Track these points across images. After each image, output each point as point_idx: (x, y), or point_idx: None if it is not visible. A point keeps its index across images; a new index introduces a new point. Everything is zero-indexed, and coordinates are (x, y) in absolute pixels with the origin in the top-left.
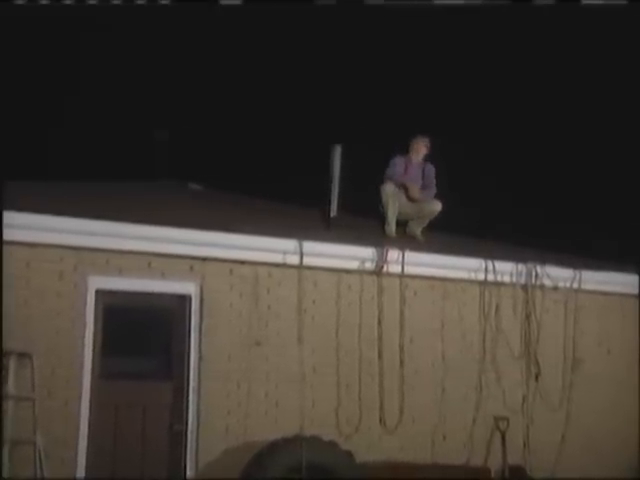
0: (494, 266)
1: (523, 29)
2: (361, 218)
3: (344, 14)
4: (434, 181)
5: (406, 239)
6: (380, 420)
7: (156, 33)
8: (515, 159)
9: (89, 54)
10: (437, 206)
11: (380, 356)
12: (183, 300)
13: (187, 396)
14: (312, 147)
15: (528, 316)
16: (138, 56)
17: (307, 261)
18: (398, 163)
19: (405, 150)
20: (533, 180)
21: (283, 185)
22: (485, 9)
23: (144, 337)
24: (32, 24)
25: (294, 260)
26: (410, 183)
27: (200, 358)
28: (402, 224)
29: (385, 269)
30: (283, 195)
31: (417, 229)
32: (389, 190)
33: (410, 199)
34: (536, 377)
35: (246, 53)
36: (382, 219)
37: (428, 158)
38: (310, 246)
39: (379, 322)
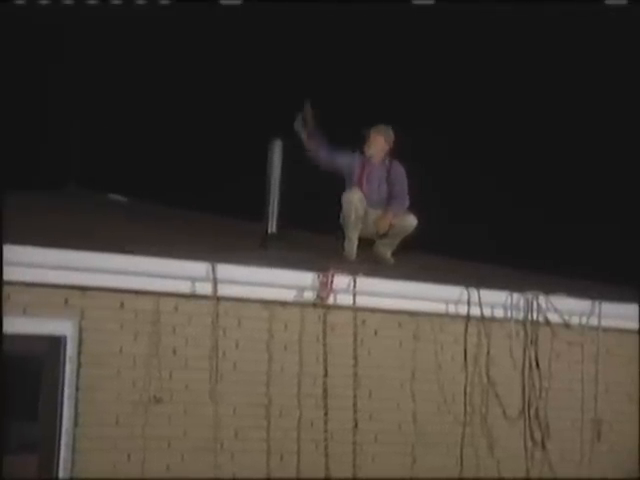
0: (479, 296)
1: (518, 25)
2: (315, 235)
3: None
4: (406, 189)
5: (371, 262)
6: None
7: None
8: (512, 158)
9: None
10: (411, 222)
11: (327, 416)
12: (54, 344)
13: (57, 473)
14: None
15: (530, 362)
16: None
17: (230, 291)
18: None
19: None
20: (532, 186)
21: (222, 195)
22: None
23: None
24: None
25: (209, 289)
26: (382, 216)
27: (76, 422)
28: (367, 243)
29: (331, 300)
30: (221, 207)
31: (387, 250)
32: (354, 198)
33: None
34: (542, 444)
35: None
36: (342, 236)
37: (396, 155)
38: (231, 271)
39: (325, 371)
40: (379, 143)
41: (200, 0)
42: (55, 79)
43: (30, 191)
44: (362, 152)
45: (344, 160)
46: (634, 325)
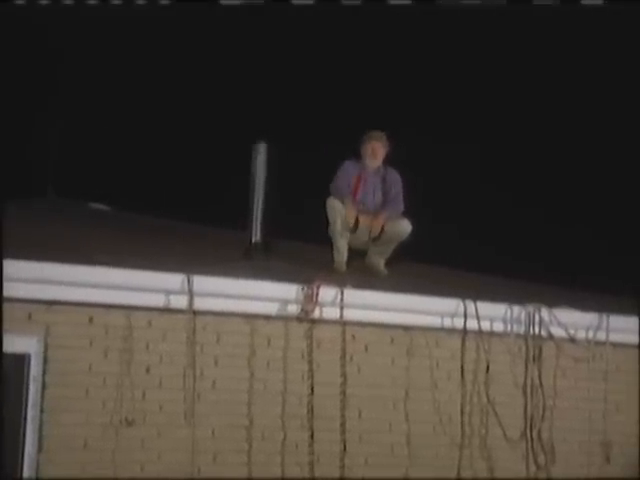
0: (477, 309)
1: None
2: (302, 244)
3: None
4: (401, 193)
5: (362, 273)
6: None
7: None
8: (512, 165)
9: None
10: (405, 227)
11: (313, 438)
12: (17, 362)
13: None
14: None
15: (533, 380)
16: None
17: (208, 304)
18: (349, 170)
19: (357, 152)
20: (532, 193)
21: (204, 202)
22: None
23: None
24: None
25: (184, 303)
26: (375, 217)
27: (40, 446)
28: (360, 252)
29: (317, 313)
30: (204, 215)
31: (380, 259)
32: (339, 206)
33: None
34: (546, 468)
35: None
36: (330, 246)
37: (390, 161)
38: (209, 283)
39: (311, 389)
40: (380, 152)
41: (199, 0)
42: (36, 82)
43: (6, 200)
44: (358, 158)
45: (352, 174)
46: None
